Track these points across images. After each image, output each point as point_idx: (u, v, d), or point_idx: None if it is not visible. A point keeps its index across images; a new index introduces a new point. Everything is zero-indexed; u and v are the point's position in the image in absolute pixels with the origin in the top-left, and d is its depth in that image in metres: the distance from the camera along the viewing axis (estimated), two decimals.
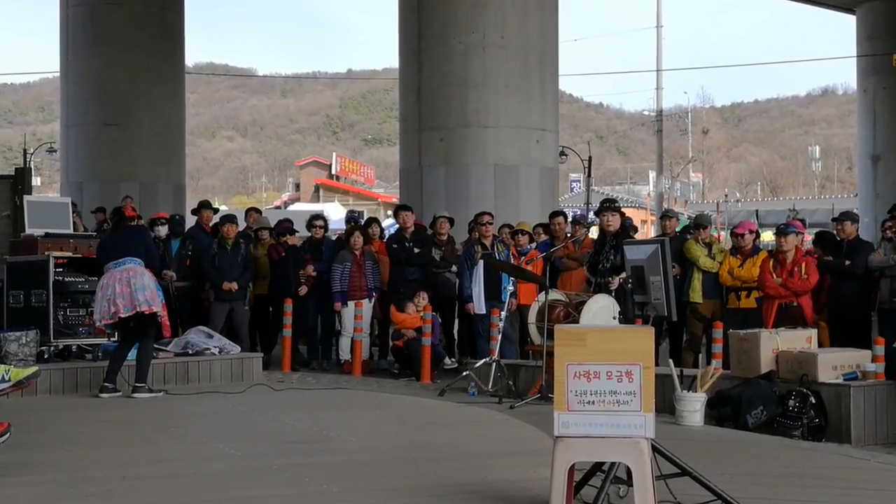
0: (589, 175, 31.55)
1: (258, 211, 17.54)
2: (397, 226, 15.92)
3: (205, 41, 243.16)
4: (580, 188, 54.41)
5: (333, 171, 78.98)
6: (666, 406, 9.79)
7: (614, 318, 8.86)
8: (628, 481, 5.10)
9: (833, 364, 9.86)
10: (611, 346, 4.78)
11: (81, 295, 11.51)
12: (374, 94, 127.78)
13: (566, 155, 34.73)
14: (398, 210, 15.57)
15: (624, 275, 7.44)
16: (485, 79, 17.54)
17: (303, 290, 14.71)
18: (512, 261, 13.92)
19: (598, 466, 5.42)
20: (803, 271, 12.03)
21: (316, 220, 15.65)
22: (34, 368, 7.56)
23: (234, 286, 14.16)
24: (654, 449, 5.51)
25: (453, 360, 14.76)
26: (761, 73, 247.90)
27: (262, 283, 15.23)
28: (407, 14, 18.41)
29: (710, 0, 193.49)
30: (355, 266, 14.66)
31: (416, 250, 14.79)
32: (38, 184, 69.30)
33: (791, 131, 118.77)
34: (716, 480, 5.87)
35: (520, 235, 14.61)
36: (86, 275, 11.62)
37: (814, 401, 9.58)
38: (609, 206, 11.52)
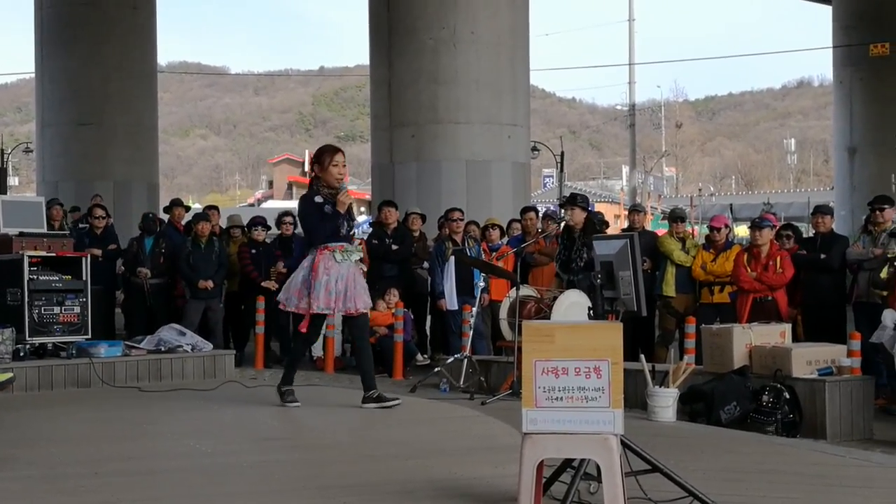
0: (561, 170, 31.57)
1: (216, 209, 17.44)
2: (371, 222, 15.86)
3: (177, 40, 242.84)
4: (553, 183, 54.46)
5: (306, 169, 78.92)
6: (638, 401, 9.77)
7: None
8: (598, 477, 5.06)
9: (807, 359, 9.79)
10: (579, 343, 4.74)
11: (56, 293, 11.47)
12: (346, 91, 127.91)
13: (538, 150, 34.80)
14: (381, 205, 15.49)
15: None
16: (455, 75, 17.51)
17: (271, 284, 14.66)
18: (483, 257, 13.90)
19: (567, 462, 5.37)
20: (778, 265, 12.01)
21: (285, 216, 15.68)
22: (9, 375, 7.56)
23: (210, 284, 14.18)
24: (625, 445, 5.47)
25: (425, 356, 14.75)
26: (735, 65, 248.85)
27: (233, 280, 15.21)
28: (377, 10, 18.36)
29: None
30: None
31: (395, 247, 14.74)
32: (17, 183, 69.13)
33: (766, 124, 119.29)
34: (687, 477, 5.83)
35: (490, 231, 14.59)
36: (60, 273, 11.60)
37: (788, 396, 9.51)
38: (570, 200, 11.52)
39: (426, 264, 14.86)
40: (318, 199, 9.19)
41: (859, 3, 31.96)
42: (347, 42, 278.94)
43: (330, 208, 9.17)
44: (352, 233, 9.42)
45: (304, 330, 9.41)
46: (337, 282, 9.06)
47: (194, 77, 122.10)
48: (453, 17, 17.46)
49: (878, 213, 12.26)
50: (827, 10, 33.81)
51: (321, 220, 9.16)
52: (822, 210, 13.08)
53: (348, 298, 9.11)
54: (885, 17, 31.42)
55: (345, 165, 9.25)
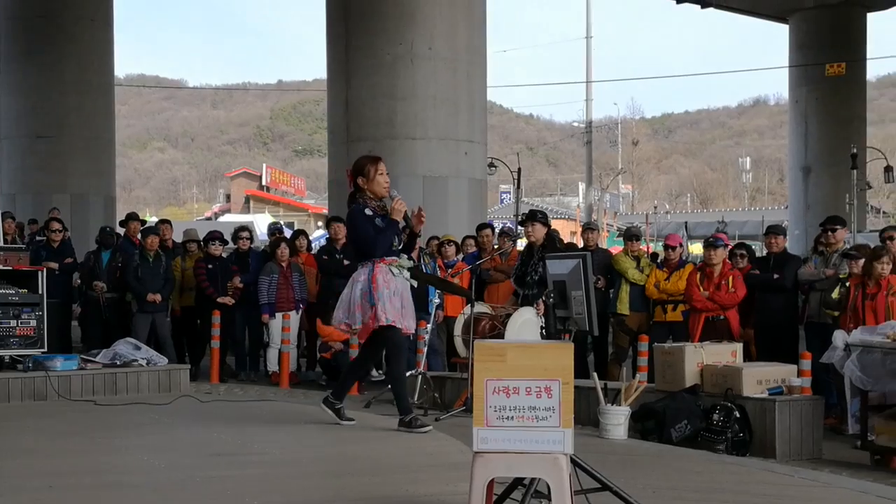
0: (518, 186, 31.61)
1: (168, 223, 17.39)
2: (327, 236, 15.90)
3: (135, 53, 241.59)
4: (510, 199, 54.58)
5: (264, 182, 78.87)
6: (591, 419, 9.84)
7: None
8: (549, 496, 5.11)
9: (758, 378, 9.88)
10: (530, 362, 4.77)
11: (12, 307, 11.43)
12: (304, 105, 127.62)
13: (496, 166, 34.77)
14: (330, 221, 15.54)
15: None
16: (413, 90, 17.57)
17: (228, 300, 14.65)
18: (438, 273, 13.94)
19: (518, 481, 5.42)
20: (730, 285, 12.13)
21: (242, 231, 15.68)
22: None
23: (158, 298, 14.19)
24: (575, 464, 5.53)
25: (380, 371, 14.75)
26: (692, 83, 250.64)
27: (188, 294, 15.20)
28: (335, 25, 18.39)
29: (641, 11, 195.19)
30: (282, 278, 14.72)
31: (346, 262, 14.76)
32: None
33: (722, 142, 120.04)
34: (637, 495, 5.90)
35: (446, 247, 14.64)
36: (16, 287, 11.58)
37: (738, 415, 9.61)
38: (530, 217, 11.58)
39: None
40: (368, 211, 8.75)
41: (815, 23, 32.28)
42: (306, 56, 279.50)
43: (381, 221, 8.79)
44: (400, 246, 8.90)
45: (362, 339, 9.18)
46: (393, 297, 8.70)
47: (152, 90, 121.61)
48: (411, 33, 17.53)
49: (829, 233, 12.40)
50: (784, 29, 34.10)
51: (376, 233, 8.74)
52: (774, 230, 13.20)
53: (404, 317, 8.75)
54: (840, 36, 31.84)
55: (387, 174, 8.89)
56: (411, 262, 8.96)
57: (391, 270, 8.72)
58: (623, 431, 9.33)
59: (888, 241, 12.23)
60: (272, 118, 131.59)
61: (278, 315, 14.69)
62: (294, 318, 14.84)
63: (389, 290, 8.67)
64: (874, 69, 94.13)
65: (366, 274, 8.78)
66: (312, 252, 16.67)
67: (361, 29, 17.77)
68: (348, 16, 17.99)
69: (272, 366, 14.84)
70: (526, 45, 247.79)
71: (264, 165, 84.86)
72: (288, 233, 18.13)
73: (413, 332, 9.36)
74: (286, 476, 7.13)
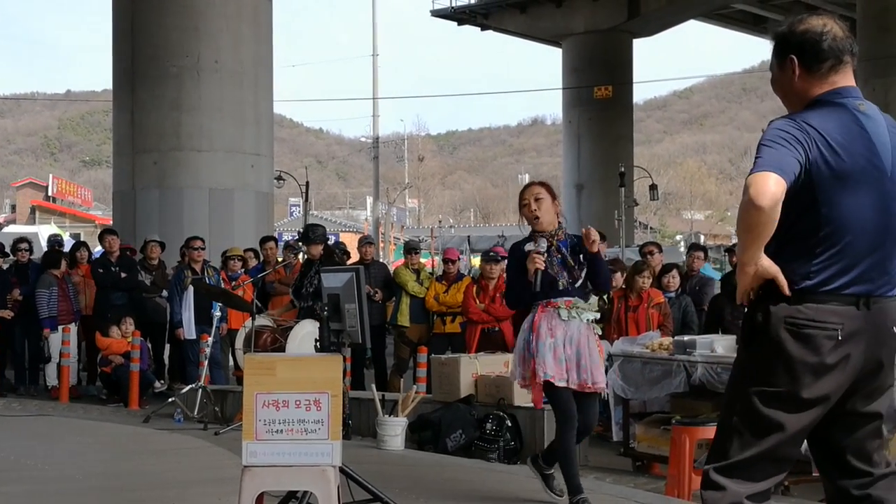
0: (307, 199, 31.71)
1: None
2: (102, 250, 15.67)
3: None
4: (299, 212, 54.50)
5: (50, 193, 76.61)
6: (370, 430, 10.00)
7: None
8: None
9: None
10: (299, 375, 4.84)
11: None
12: (93, 116, 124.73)
13: (284, 179, 34.82)
14: (103, 234, 15.34)
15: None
16: (199, 103, 17.49)
17: (6, 313, 14.32)
18: (222, 285, 13.93)
19: (292, 494, 5.49)
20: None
21: (20, 242, 15.32)
22: None
23: None
24: (348, 475, 5.66)
25: (163, 382, 14.66)
26: (475, 102, 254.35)
27: None
28: (120, 36, 18.16)
29: (426, 31, 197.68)
30: (60, 290, 14.43)
31: (123, 275, 14.62)
32: None
33: (503, 159, 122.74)
34: None
35: (231, 260, 14.64)
36: None
37: (510, 424, 9.85)
38: (302, 238, 11.67)
39: (165, 293, 14.76)
40: (529, 246, 7.17)
41: (586, 47, 33.43)
42: (94, 66, 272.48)
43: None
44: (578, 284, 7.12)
45: (538, 406, 7.89)
46: (565, 346, 6.99)
47: None
48: (197, 46, 17.44)
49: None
50: (558, 53, 35.14)
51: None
52: None
53: (582, 369, 6.98)
54: (609, 60, 33.10)
55: (536, 200, 7.21)
56: (594, 308, 7.21)
57: (558, 314, 7.04)
58: (400, 442, 9.48)
59: (648, 256, 12.80)
60: (60, 128, 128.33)
61: (59, 328, 14.43)
62: (73, 330, 14.60)
63: (556, 339, 7.01)
64: (641, 92, 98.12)
65: (528, 321, 7.16)
66: None
67: (147, 41, 17.60)
68: (134, 28, 17.79)
69: (52, 380, 14.55)
70: (316, 60, 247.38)
71: (51, 176, 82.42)
72: (71, 244, 17.78)
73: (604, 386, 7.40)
74: (57, 493, 7.05)
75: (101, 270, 14.75)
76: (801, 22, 3.95)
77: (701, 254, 14.25)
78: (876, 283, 3.82)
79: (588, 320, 7.04)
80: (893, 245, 3.85)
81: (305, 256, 12.18)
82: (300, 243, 13.67)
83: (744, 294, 3.90)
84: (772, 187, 3.58)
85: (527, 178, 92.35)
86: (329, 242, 12.38)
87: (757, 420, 3.83)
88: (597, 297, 7.28)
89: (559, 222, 7.26)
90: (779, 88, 4.04)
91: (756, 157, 3.73)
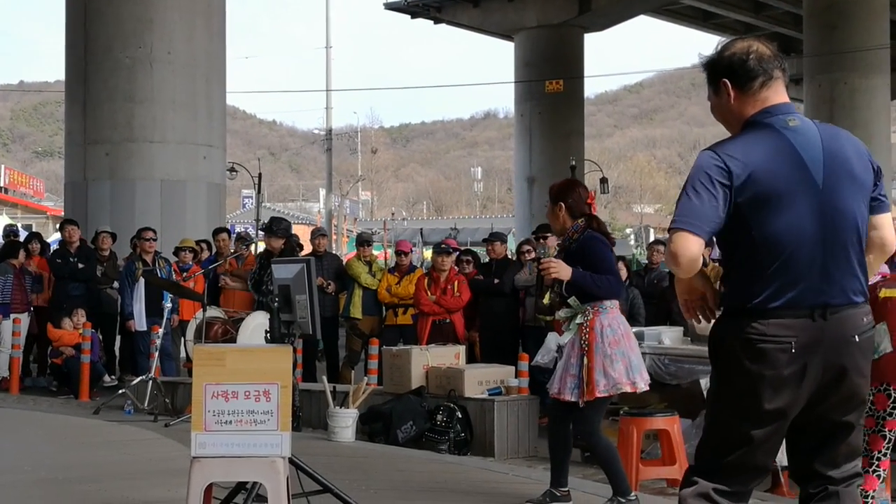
0: (259, 191, 31.58)
1: None
2: (61, 240, 15.60)
3: None
4: (252, 204, 54.30)
5: (2, 184, 75.85)
6: (321, 422, 10.03)
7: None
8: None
9: (479, 379, 10.18)
10: (249, 366, 4.85)
11: None
12: (46, 106, 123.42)
13: (236, 171, 34.67)
14: (63, 224, 15.27)
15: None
16: (151, 94, 17.38)
17: None
18: (174, 277, 13.91)
19: (241, 485, 5.50)
20: (455, 289, 12.56)
21: None
22: None
23: None
24: (297, 466, 5.69)
25: (113, 377, 14.61)
26: (428, 95, 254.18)
27: None
28: (73, 26, 18.01)
29: (379, 24, 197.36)
30: (16, 280, 14.37)
31: (81, 266, 14.57)
32: None
33: (456, 153, 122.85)
34: (359, 496, 6.10)
35: (182, 252, 14.61)
36: None
37: (460, 415, 9.89)
38: (266, 230, 11.69)
39: (116, 284, 14.71)
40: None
41: (538, 41, 33.47)
42: (48, 57, 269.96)
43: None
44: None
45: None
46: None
47: None
48: (149, 37, 17.34)
49: (541, 240, 12.96)
50: (510, 47, 35.20)
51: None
52: (495, 237, 13.72)
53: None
54: (560, 55, 33.18)
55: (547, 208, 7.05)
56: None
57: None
58: (351, 434, 9.53)
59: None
60: (13, 119, 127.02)
61: (10, 317, 14.35)
62: (25, 321, 14.52)
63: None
64: (592, 87, 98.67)
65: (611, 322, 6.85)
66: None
67: (100, 32, 17.46)
68: (87, 18, 17.63)
69: (2, 371, 14.46)
70: (269, 52, 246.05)
71: (2, 167, 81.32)
72: (25, 235, 17.66)
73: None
74: (7, 484, 7.03)
75: (59, 261, 14.70)
76: (727, 47, 4.07)
77: (661, 247, 14.34)
78: (827, 292, 3.89)
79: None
80: (832, 253, 3.93)
81: (265, 248, 12.15)
82: (263, 232, 13.65)
83: (683, 304, 4.15)
84: (689, 249, 3.79)
85: (479, 171, 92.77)
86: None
87: (726, 433, 3.95)
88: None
89: (572, 224, 6.88)
90: (718, 114, 4.15)
91: (678, 203, 3.89)
